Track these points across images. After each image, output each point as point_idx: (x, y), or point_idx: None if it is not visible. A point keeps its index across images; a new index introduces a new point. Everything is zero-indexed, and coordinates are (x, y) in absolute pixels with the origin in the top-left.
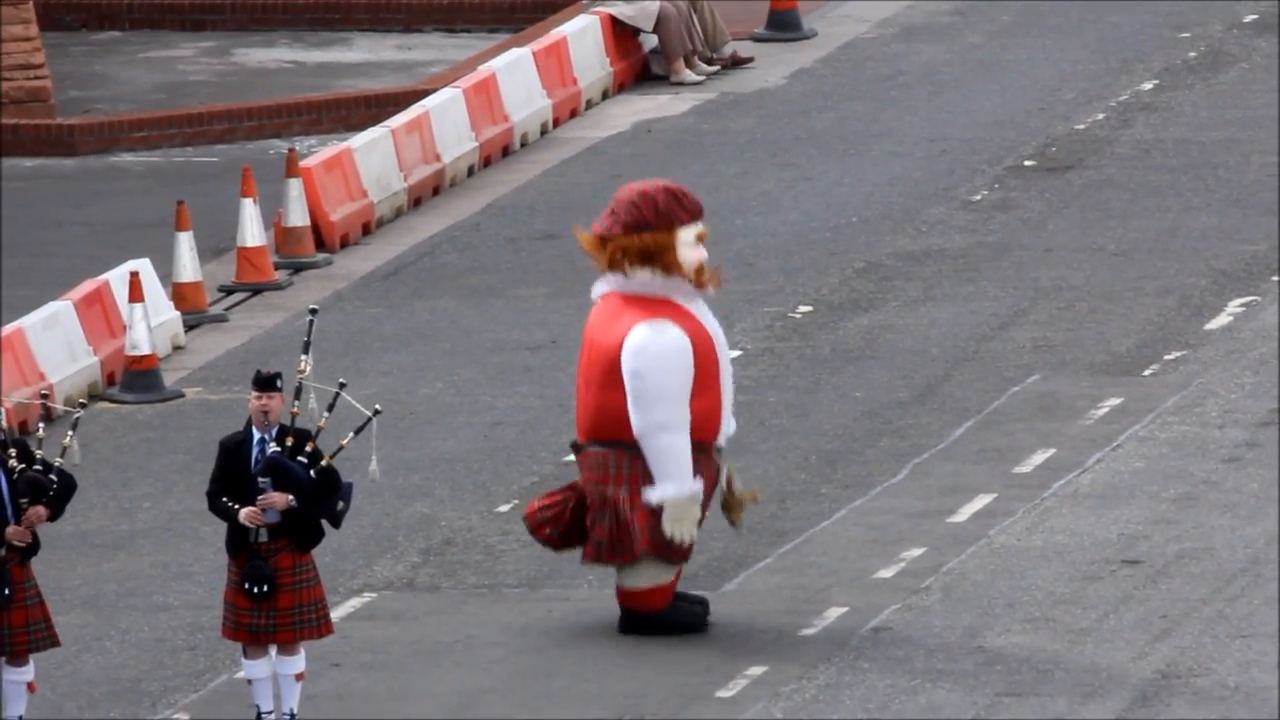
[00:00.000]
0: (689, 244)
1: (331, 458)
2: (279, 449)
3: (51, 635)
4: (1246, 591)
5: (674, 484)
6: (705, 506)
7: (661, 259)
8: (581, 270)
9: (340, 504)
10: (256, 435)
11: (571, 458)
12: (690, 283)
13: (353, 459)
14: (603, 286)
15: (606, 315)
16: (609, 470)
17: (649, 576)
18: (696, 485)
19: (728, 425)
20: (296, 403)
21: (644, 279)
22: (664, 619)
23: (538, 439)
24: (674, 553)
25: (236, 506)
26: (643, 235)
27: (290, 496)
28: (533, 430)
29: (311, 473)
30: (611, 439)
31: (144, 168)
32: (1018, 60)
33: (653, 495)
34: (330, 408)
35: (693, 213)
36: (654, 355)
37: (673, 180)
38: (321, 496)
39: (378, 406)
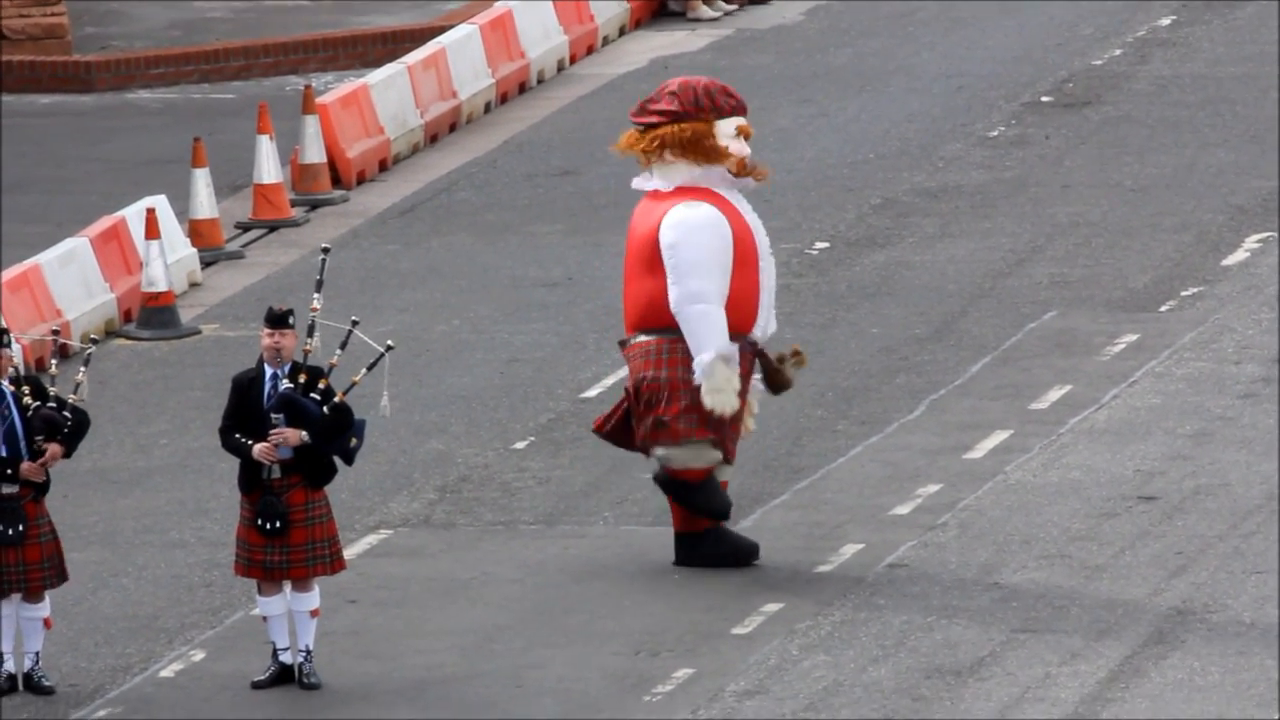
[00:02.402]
0: (729, 135)
1: (344, 394)
2: (292, 385)
3: (62, 571)
4: (1262, 528)
5: (711, 348)
6: (742, 395)
7: (700, 148)
8: (599, 207)
9: (353, 441)
10: (269, 372)
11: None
12: (730, 171)
13: (367, 396)
14: (643, 182)
15: (646, 208)
16: (653, 357)
17: (688, 457)
18: (733, 349)
19: (767, 322)
20: (309, 340)
21: (682, 169)
22: (715, 544)
23: (554, 376)
24: (702, 432)
25: (250, 442)
26: (682, 125)
27: (303, 433)
28: (549, 367)
29: (324, 409)
30: (656, 326)
31: (160, 104)
32: None
33: (696, 367)
34: (343, 345)
35: (735, 107)
36: (690, 226)
37: (711, 78)
38: (334, 433)
39: (390, 343)
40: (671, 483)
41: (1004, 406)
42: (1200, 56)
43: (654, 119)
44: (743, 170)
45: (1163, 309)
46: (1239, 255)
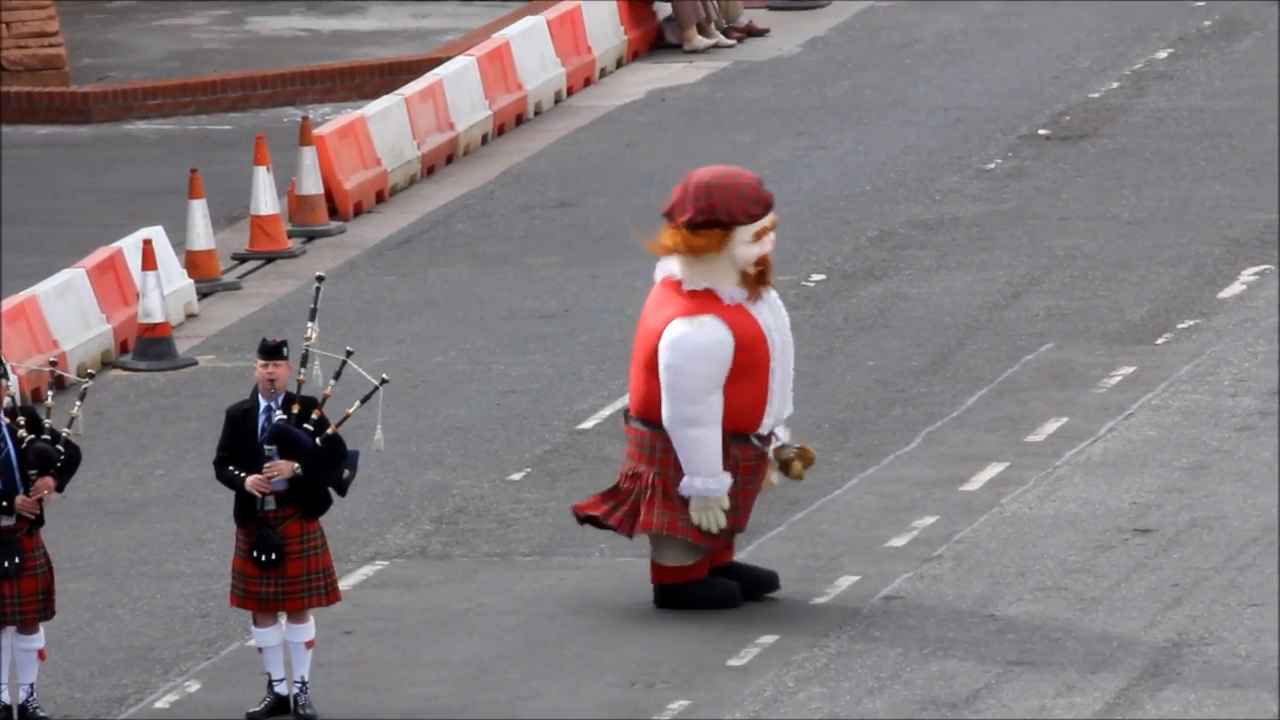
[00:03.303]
0: (745, 242)
1: (338, 426)
2: (285, 417)
3: (49, 606)
4: (1258, 560)
5: (700, 478)
6: (747, 493)
7: (714, 261)
8: (596, 239)
9: (346, 472)
10: (263, 403)
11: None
12: (741, 283)
13: (363, 427)
14: (661, 270)
15: (659, 299)
16: (646, 451)
17: (676, 556)
18: (723, 480)
19: (781, 412)
20: (303, 370)
21: (692, 277)
22: (694, 591)
23: (550, 407)
24: (697, 535)
25: (243, 475)
26: (698, 231)
27: (296, 464)
28: (545, 399)
29: (317, 440)
30: (652, 421)
31: (158, 136)
32: (1032, 28)
33: (683, 488)
34: (337, 375)
35: (752, 212)
36: (687, 352)
37: (742, 171)
38: (327, 464)
39: (385, 376)
40: (672, 593)
41: (1000, 439)
42: (1197, 90)
43: (678, 217)
44: (760, 273)
45: (1159, 341)
46: (1235, 288)
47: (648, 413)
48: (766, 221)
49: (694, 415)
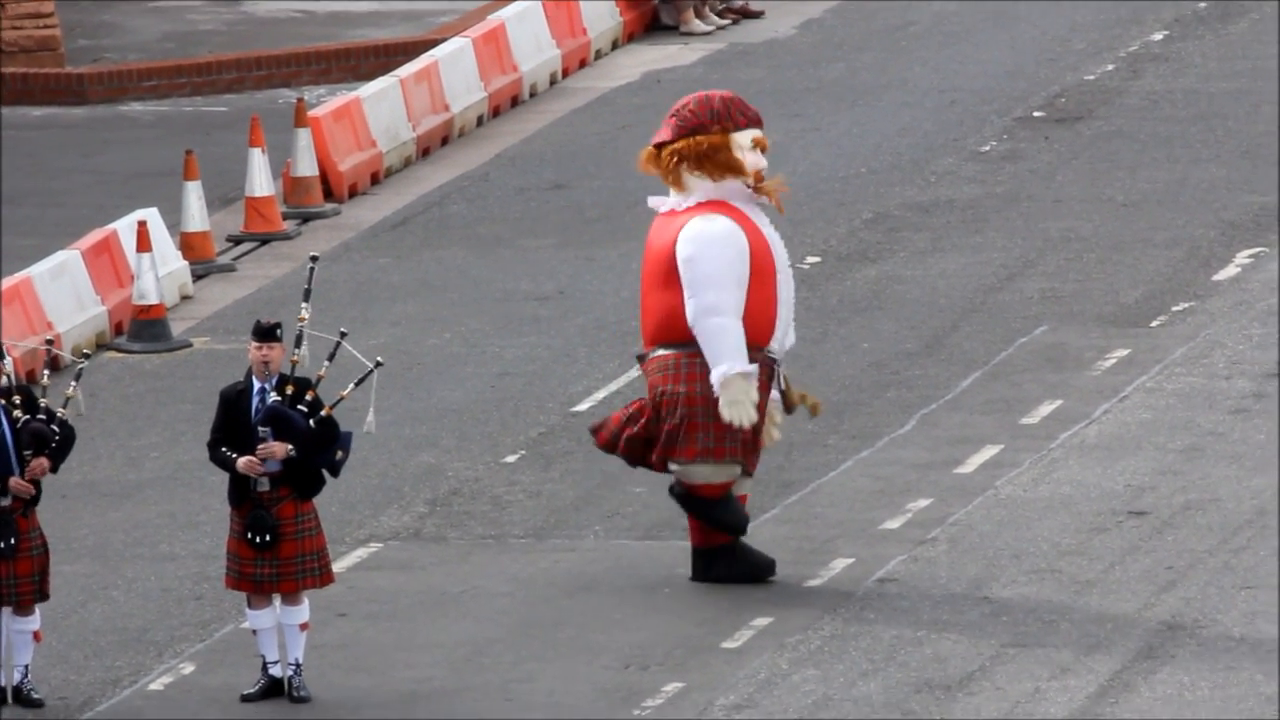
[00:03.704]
0: (745, 147)
1: (331, 408)
2: (279, 398)
3: (44, 587)
4: (1252, 543)
5: (727, 363)
6: (762, 406)
7: (716, 161)
8: (591, 221)
9: (339, 454)
10: (257, 385)
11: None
12: (747, 185)
13: (356, 409)
14: (658, 203)
15: (662, 223)
16: (671, 371)
17: (707, 474)
18: (751, 366)
19: (786, 336)
20: (297, 351)
21: (699, 184)
22: (724, 509)
23: (545, 389)
24: (720, 452)
25: (236, 456)
26: (698, 138)
27: (290, 446)
28: (540, 381)
29: (311, 422)
30: (674, 340)
31: (153, 117)
32: (1028, 10)
33: (713, 378)
34: (331, 357)
35: (750, 118)
36: (706, 239)
37: (726, 91)
38: (320, 446)
39: (379, 359)
40: (688, 498)
41: (994, 421)
42: (1192, 71)
43: (670, 137)
44: (760, 184)
45: (1154, 324)
46: (1230, 270)
47: (670, 333)
48: (759, 133)
49: (715, 302)
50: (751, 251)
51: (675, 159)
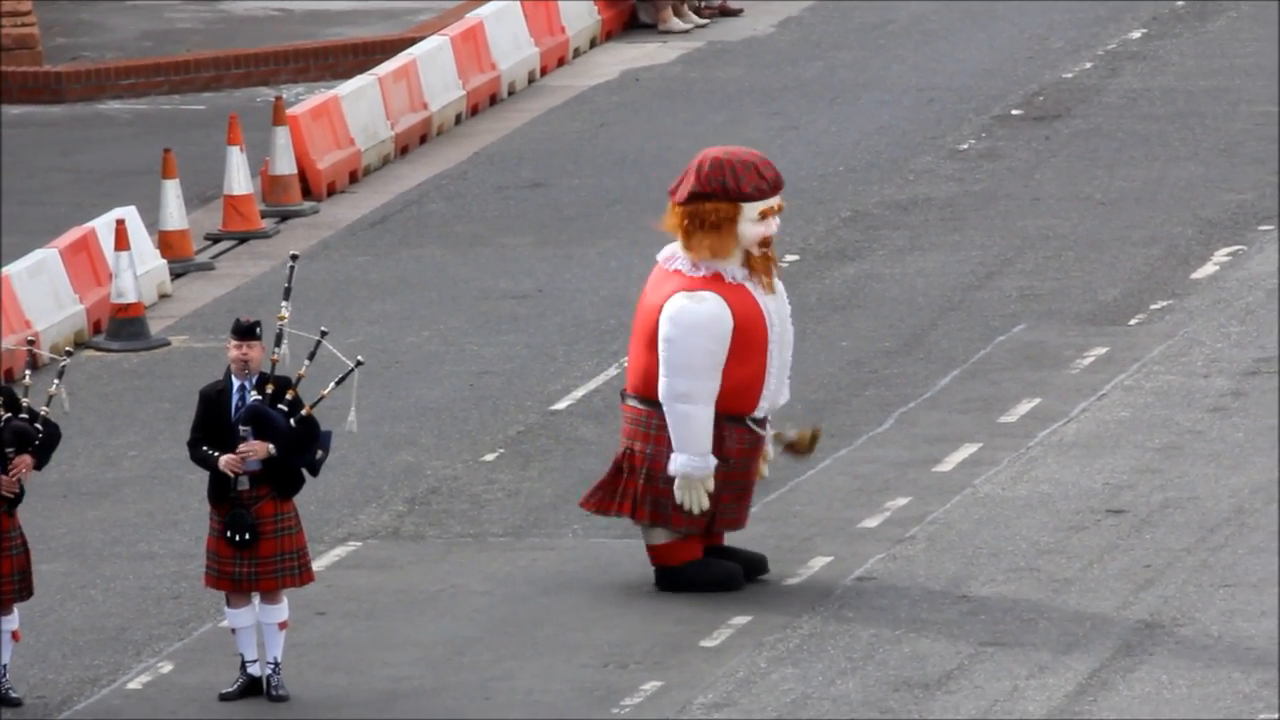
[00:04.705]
0: (750, 219)
1: (312, 407)
2: (259, 397)
3: (28, 585)
4: (1230, 541)
5: (686, 455)
6: (744, 475)
7: (719, 236)
8: (569, 219)
9: (319, 453)
10: (236, 384)
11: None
12: (744, 263)
13: (336, 408)
14: (669, 251)
15: (661, 276)
16: (642, 429)
17: (664, 535)
18: (709, 462)
19: (777, 398)
20: (277, 350)
21: (699, 255)
22: (690, 573)
23: (524, 388)
24: (677, 521)
25: (216, 455)
26: (706, 205)
27: (270, 445)
28: (519, 379)
29: (291, 421)
30: (650, 398)
31: (131, 115)
32: (1006, 9)
33: (670, 464)
34: (311, 356)
35: (763, 188)
36: (686, 325)
37: (753, 152)
38: (301, 445)
39: (360, 358)
40: (665, 573)
41: (973, 419)
42: (1170, 70)
43: (682, 196)
44: (763, 255)
45: (1132, 322)
46: (1208, 269)
47: (646, 390)
48: (774, 201)
49: (687, 390)
50: (737, 328)
51: (682, 221)
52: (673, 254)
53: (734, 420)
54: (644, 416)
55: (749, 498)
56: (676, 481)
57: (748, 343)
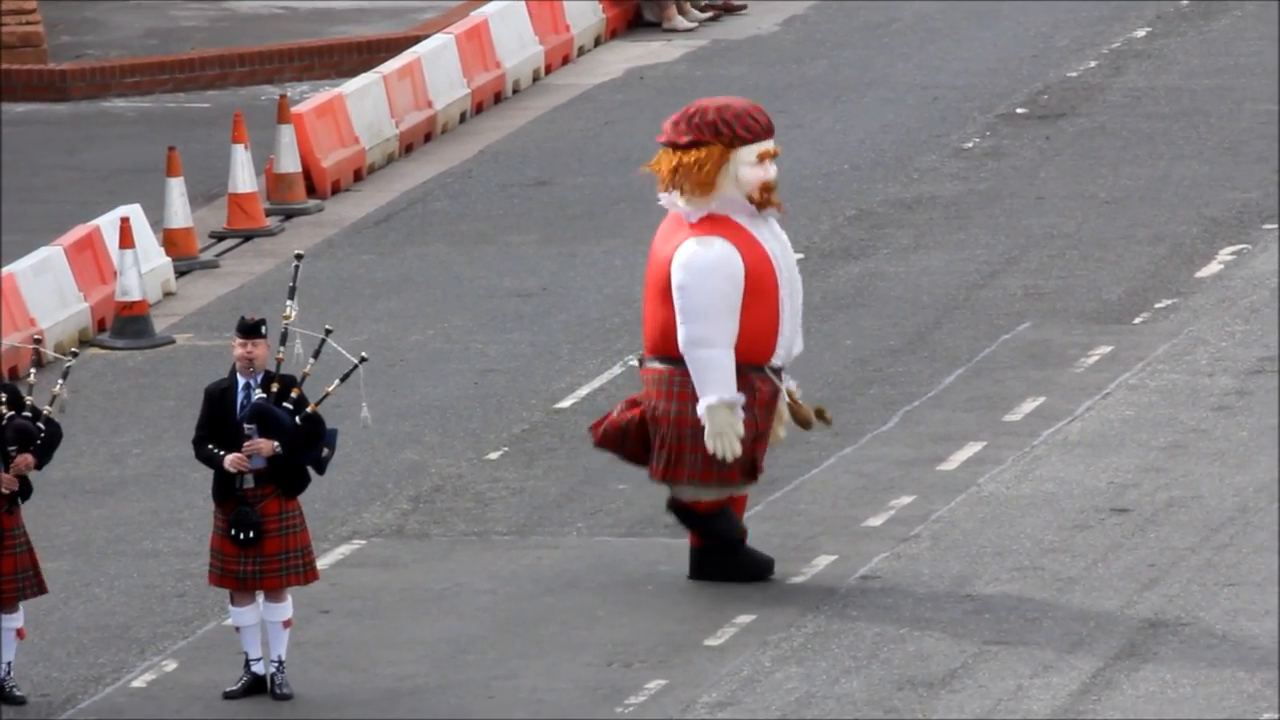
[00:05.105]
0: (749, 163)
1: (317, 405)
2: (264, 395)
3: (39, 583)
4: (1235, 540)
5: (712, 396)
6: (766, 423)
7: (712, 180)
8: (574, 218)
9: (325, 451)
10: (241, 382)
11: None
12: (748, 201)
13: (341, 405)
14: (667, 201)
15: (667, 229)
16: (664, 387)
17: (692, 494)
18: (738, 396)
19: (792, 345)
20: (282, 348)
21: (698, 200)
22: (727, 564)
23: (528, 386)
24: (706, 476)
25: (222, 453)
26: (697, 152)
27: (275, 443)
28: (523, 377)
29: (297, 419)
30: (670, 355)
31: (136, 113)
32: (1011, 7)
33: (699, 410)
34: (316, 354)
35: (755, 132)
36: (698, 270)
37: (745, 99)
38: (307, 443)
39: (364, 354)
40: (682, 512)
41: (977, 418)
42: (1175, 68)
43: (674, 141)
44: (765, 197)
45: (1136, 321)
46: (1213, 267)
47: (665, 347)
48: (769, 145)
49: (706, 335)
50: (748, 272)
51: (675, 170)
52: (674, 199)
53: (753, 369)
54: (666, 375)
55: (764, 447)
56: (707, 429)
57: (757, 286)
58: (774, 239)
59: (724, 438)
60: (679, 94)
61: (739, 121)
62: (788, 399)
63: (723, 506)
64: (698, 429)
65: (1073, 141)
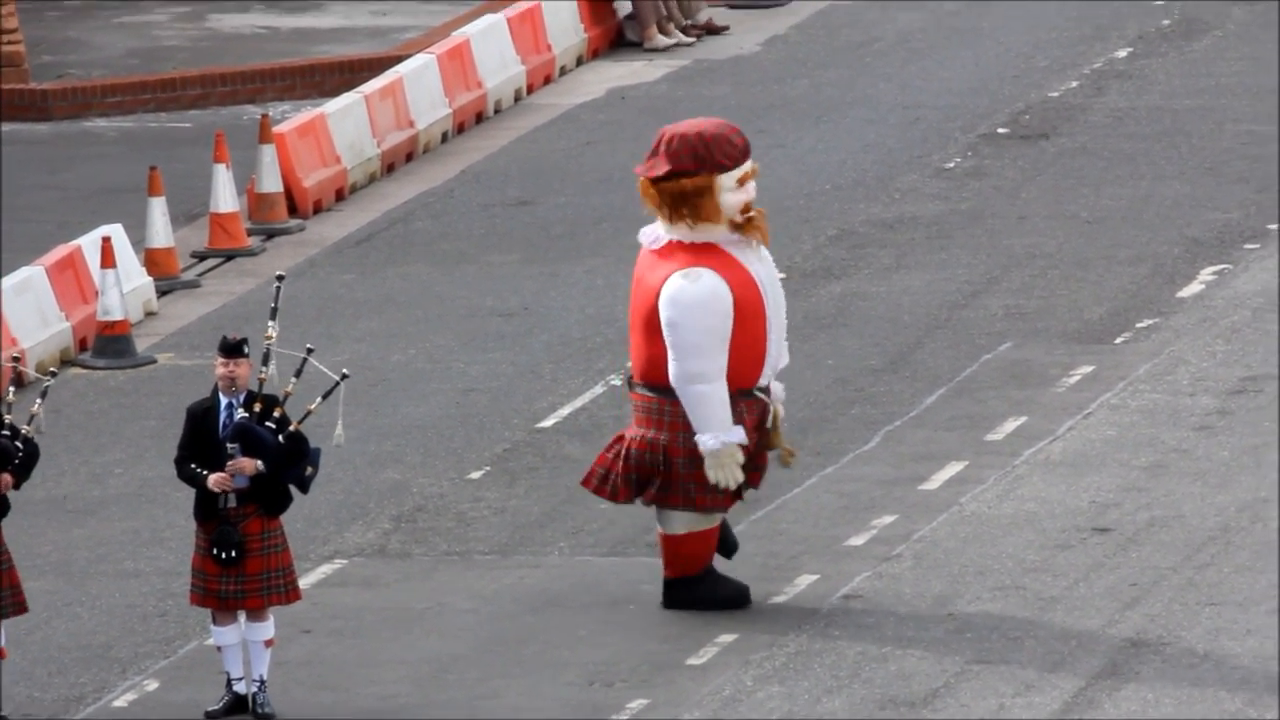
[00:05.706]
0: (730, 189)
1: (299, 423)
2: (247, 415)
3: (20, 602)
4: (1216, 559)
5: (711, 434)
6: (754, 447)
7: (696, 207)
8: (555, 237)
9: (309, 469)
10: (224, 401)
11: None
12: (732, 230)
13: (323, 425)
14: (649, 237)
15: (651, 260)
16: (654, 416)
17: (684, 523)
18: (736, 434)
19: (778, 362)
20: (264, 368)
21: (683, 229)
22: (701, 593)
23: (510, 406)
24: (701, 502)
25: (205, 473)
26: (681, 181)
27: (259, 462)
28: (505, 397)
29: (279, 438)
30: (657, 384)
31: (117, 133)
32: (992, 27)
33: (700, 446)
34: (298, 373)
35: (734, 158)
36: (686, 306)
37: (718, 121)
38: (289, 462)
39: (345, 371)
40: (676, 597)
41: (959, 438)
42: (1156, 89)
43: (654, 174)
44: (747, 221)
45: (1118, 341)
46: (1194, 287)
47: (653, 377)
48: (748, 167)
49: (700, 370)
50: (736, 300)
51: (660, 200)
52: (655, 234)
53: (742, 395)
54: (655, 404)
55: (765, 462)
56: (707, 461)
57: (745, 313)
58: (758, 260)
59: (724, 471)
60: (660, 114)
61: (718, 148)
62: (775, 415)
63: (708, 571)
64: (691, 458)
65: (1054, 161)
